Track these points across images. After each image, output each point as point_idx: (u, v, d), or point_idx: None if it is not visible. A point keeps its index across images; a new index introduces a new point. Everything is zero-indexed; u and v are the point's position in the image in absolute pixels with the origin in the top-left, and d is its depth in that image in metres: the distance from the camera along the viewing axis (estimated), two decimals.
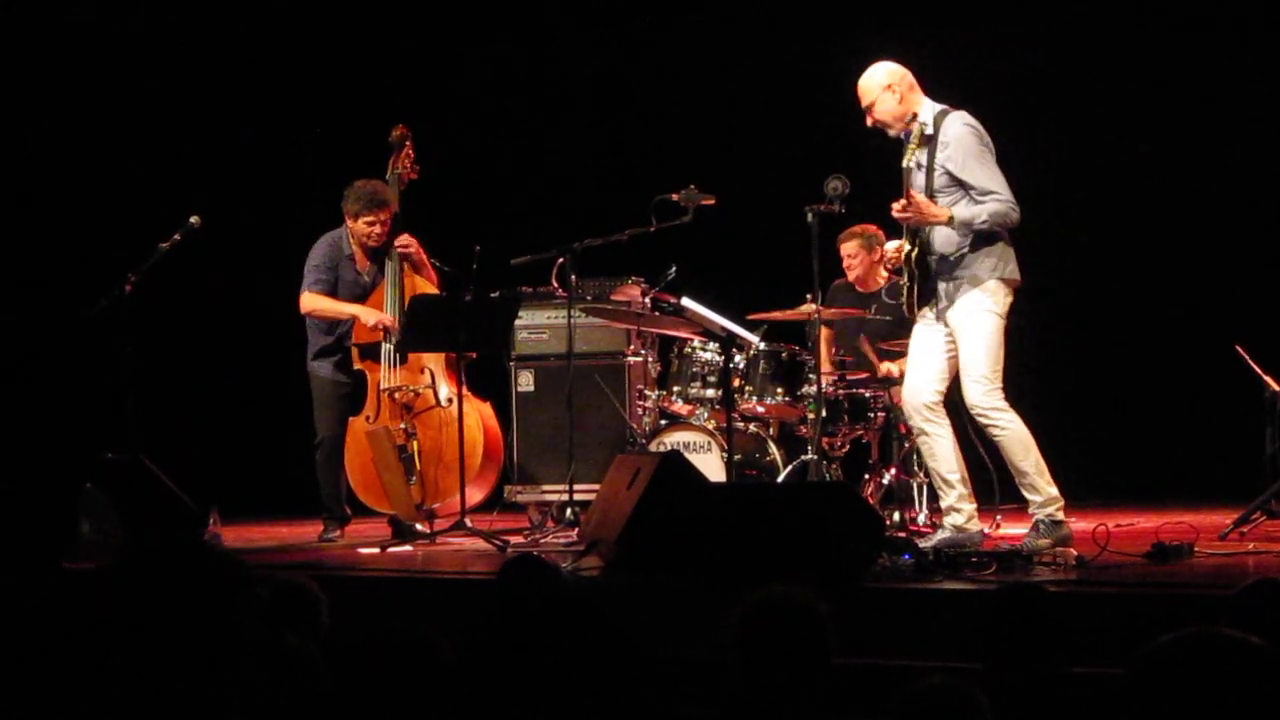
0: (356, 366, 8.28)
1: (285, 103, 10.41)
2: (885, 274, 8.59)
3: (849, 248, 8.56)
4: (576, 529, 7.71)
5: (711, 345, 8.28)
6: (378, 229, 8.21)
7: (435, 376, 8.25)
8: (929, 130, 6.75)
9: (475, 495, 8.17)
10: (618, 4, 10.45)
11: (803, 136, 9.67)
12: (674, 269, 8.42)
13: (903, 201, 6.68)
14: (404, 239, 8.26)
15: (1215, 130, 9.51)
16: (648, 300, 8.51)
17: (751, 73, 10.15)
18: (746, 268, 9.46)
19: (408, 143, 8.34)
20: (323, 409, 8.30)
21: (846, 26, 9.91)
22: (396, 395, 8.19)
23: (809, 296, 7.74)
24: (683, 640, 5.23)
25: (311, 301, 8.26)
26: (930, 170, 6.75)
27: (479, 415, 8.28)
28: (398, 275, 8.22)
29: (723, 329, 7.79)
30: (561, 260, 8.34)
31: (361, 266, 8.33)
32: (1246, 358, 7.96)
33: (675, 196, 8.14)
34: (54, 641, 3.34)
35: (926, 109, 6.82)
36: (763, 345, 8.21)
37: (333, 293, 8.28)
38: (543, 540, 7.93)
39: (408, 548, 7.86)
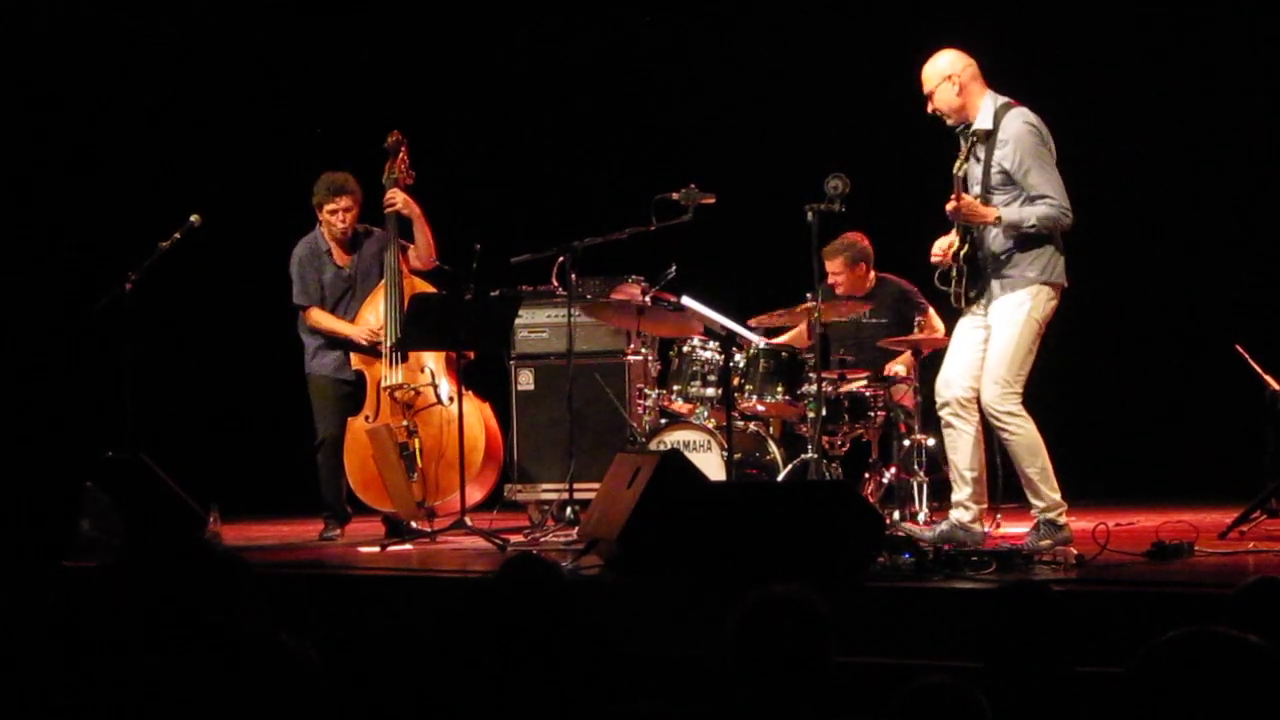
0: (355, 366, 8.29)
1: (286, 102, 10.41)
2: (872, 278, 8.61)
3: (833, 265, 8.50)
4: (576, 528, 7.70)
5: (711, 344, 8.28)
6: (340, 215, 8.25)
7: (435, 375, 8.26)
8: (986, 127, 6.75)
9: (475, 494, 8.18)
10: (619, 3, 10.44)
11: (803, 135, 9.67)
12: (674, 268, 8.42)
13: (954, 202, 6.68)
14: (389, 195, 8.28)
15: (1216, 129, 9.51)
16: (648, 299, 8.51)
17: (752, 71, 10.15)
18: (746, 267, 9.46)
19: (403, 148, 8.37)
20: (323, 409, 8.32)
21: (847, 26, 9.92)
22: (397, 394, 8.20)
23: (808, 296, 7.74)
24: (683, 639, 5.23)
25: (310, 318, 8.32)
26: (987, 165, 6.75)
27: (480, 414, 8.29)
28: (396, 276, 8.22)
29: (722, 327, 7.79)
30: (562, 259, 8.35)
31: (341, 261, 8.35)
32: (1247, 357, 7.96)
33: (675, 195, 8.15)
34: (54, 641, 3.33)
35: (988, 102, 6.82)
36: (763, 344, 8.21)
37: (320, 295, 8.30)
38: (542, 539, 7.93)
39: (407, 546, 7.86)
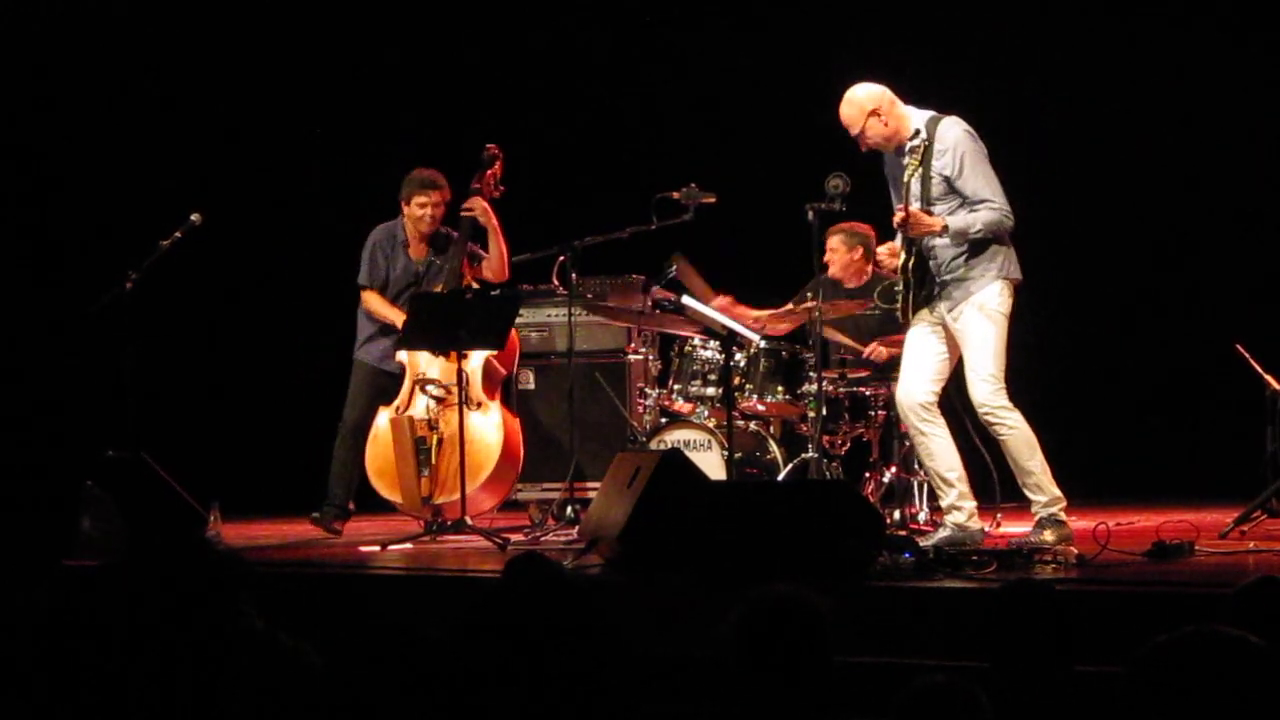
0: (399, 359, 8.31)
1: (288, 100, 10.41)
2: (869, 272, 8.60)
3: (831, 242, 8.52)
4: (577, 527, 7.71)
5: (712, 343, 8.28)
6: (429, 211, 8.29)
7: (470, 378, 8.17)
8: (924, 140, 6.77)
9: (487, 501, 8.17)
10: (619, 3, 10.44)
11: (804, 134, 9.66)
12: (674, 267, 8.42)
13: (901, 214, 6.70)
14: (469, 202, 8.32)
15: (1215, 128, 9.50)
16: (648, 298, 8.50)
17: (753, 71, 10.15)
18: (747, 266, 9.45)
19: (497, 162, 8.40)
20: (356, 394, 8.36)
21: (848, 25, 9.91)
22: (428, 388, 8.20)
23: (809, 295, 7.74)
24: (683, 639, 5.23)
25: (365, 300, 8.37)
26: (926, 178, 6.77)
27: (504, 424, 8.24)
28: (457, 281, 8.24)
29: (723, 327, 7.79)
30: (562, 258, 8.35)
31: (417, 255, 8.39)
32: (1247, 356, 7.96)
33: (676, 194, 8.15)
34: (54, 640, 3.34)
35: (917, 119, 6.85)
36: (763, 343, 8.21)
37: (384, 283, 8.32)
38: (543, 538, 7.93)
39: (408, 545, 7.86)
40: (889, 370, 8.47)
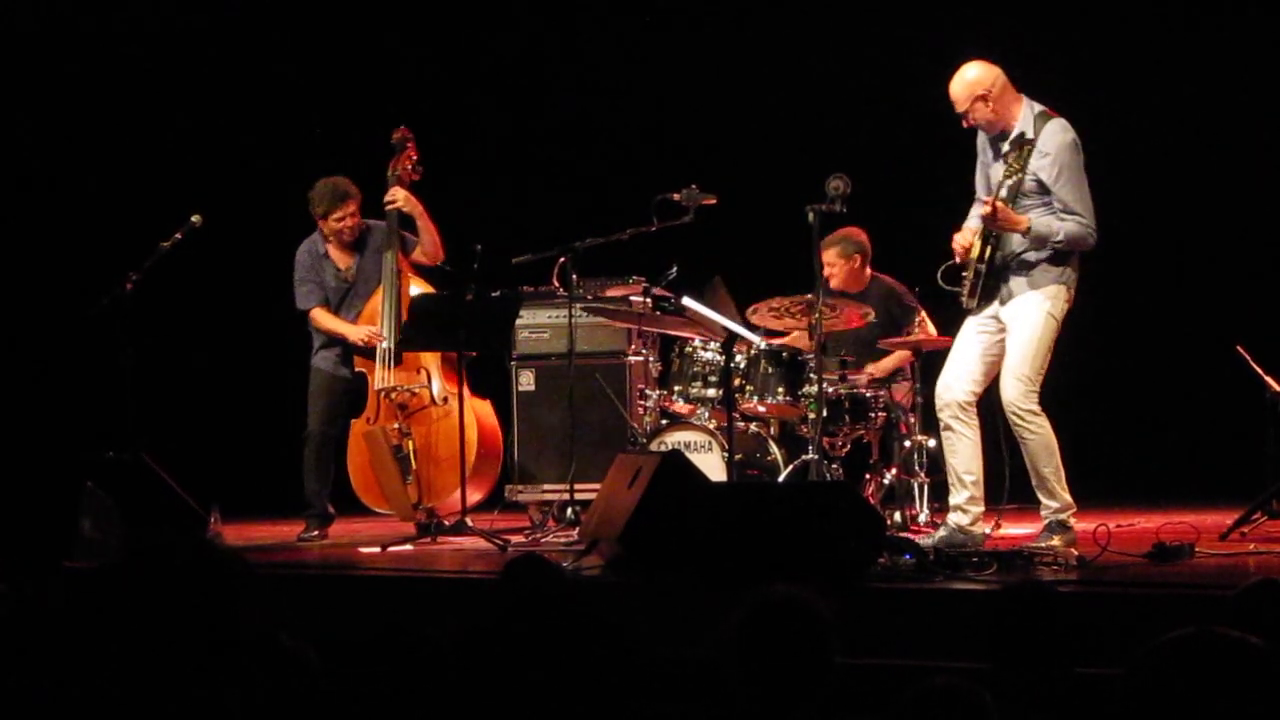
0: (359, 368, 8.31)
1: (287, 101, 10.41)
2: (869, 275, 8.60)
3: (827, 256, 8.45)
4: (577, 528, 7.71)
5: (712, 344, 8.27)
6: (349, 222, 8.27)
7: (431, 375, 8.27)
8: (1029, 135, 6.77)
9: (473, 494, 8.17)
10: (619, 4, 10.44)
11: (804, 136, 9.67)
12: (675, 268, 8.42)
13: (988, 208, 6.69)
14: (390, 194, 8.30)
15: (1216, 128, 9.50)
16: (649, 299, 8.50)
17: (753, 72, 10.14)
18: (747, 267, 9.45)
19: (410, 144, 8.37)
20: (314, 403, 8.36)
21: (848, 26, 9.92)
22: (392, 396, 8.20)
23: (809, 296, 7.74)
24: (683, 640, 5.23)
25: (315, 320, 8.36)
26: (1021, 173, 6.75)
27: (475, 413, 8.29)
28: (394, 278, 8.23)
29: (723, 328, 7.78)
30: (563, 259, 8.34)
31: (342, 265, 8.37)
32: (1248, 358, 7.96)
33: (676, 196, 8.15)
34: (54, 641, 3.34)
35: (1025, 110, 6.84)
36: (764, 345, 8.20)
37: (324, 297, 8.33)
38: (543, 540, 7.94)
39: (408, 547, 7.86)
40: (889, 377, 8.48)
